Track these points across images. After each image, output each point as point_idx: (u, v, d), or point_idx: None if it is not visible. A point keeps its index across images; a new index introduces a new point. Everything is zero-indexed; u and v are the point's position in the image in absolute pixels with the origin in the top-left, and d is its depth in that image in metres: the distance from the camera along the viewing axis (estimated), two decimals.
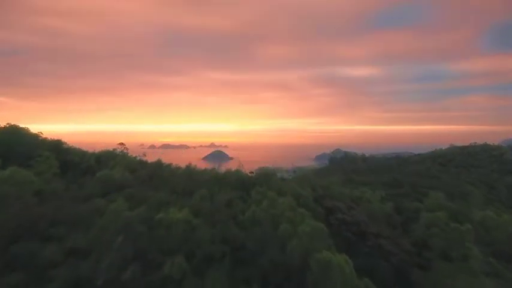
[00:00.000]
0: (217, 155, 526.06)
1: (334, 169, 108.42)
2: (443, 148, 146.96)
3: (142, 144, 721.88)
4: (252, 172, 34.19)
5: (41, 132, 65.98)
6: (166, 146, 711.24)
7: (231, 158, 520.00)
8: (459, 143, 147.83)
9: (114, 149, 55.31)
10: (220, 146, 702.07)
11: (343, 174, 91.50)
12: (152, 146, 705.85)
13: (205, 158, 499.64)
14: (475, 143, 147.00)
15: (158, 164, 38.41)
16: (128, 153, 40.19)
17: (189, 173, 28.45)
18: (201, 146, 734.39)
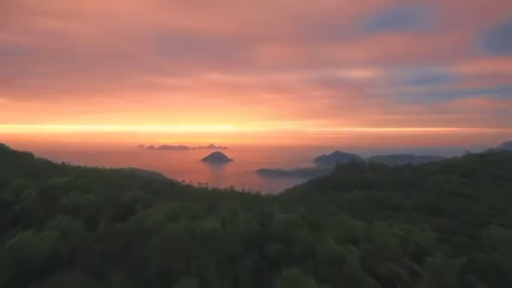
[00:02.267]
0: (217, 156, 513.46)
1: (344, 180, 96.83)
2: (459, 155, 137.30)
3: (141, 145, 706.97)
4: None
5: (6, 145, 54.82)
6: (165, 147, 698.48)
7: (231, 160, 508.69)
8: (473, 149, 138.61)
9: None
10: (220, 147, 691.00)
11: (360, 188, 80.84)
12: (151, 147, 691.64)
13: (205, 160, 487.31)
14: (492, 148, 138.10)
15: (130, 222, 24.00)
16: (97, 179, 29.27)
17: (173, 234, 17.45)
18: (200, 147, 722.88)
